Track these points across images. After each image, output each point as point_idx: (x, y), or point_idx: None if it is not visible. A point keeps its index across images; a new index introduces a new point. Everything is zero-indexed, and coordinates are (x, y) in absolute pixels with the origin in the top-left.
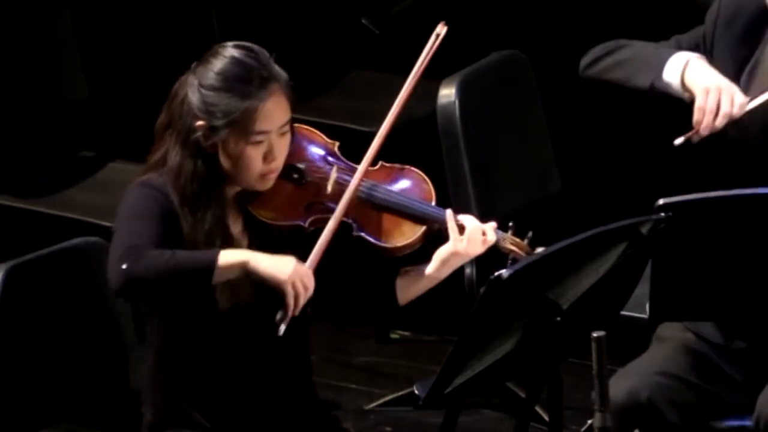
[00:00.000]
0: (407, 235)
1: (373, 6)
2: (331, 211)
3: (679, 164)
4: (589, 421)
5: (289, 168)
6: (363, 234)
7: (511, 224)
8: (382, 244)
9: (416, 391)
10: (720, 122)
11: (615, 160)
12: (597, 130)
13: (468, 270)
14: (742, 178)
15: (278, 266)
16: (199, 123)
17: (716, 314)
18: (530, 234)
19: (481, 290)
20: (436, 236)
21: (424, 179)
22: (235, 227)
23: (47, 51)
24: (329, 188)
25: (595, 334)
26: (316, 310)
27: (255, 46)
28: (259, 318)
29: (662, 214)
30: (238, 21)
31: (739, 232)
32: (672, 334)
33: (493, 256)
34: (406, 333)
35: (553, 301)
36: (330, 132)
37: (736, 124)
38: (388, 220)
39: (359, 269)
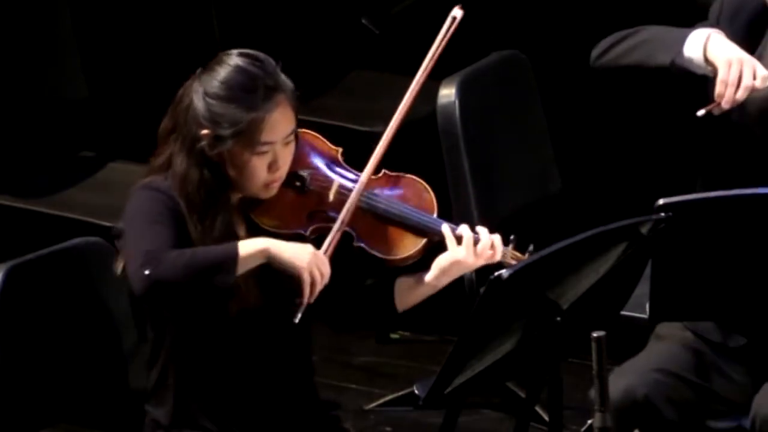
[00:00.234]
0: (408, 247)
1: (373, 6)
2: (333, 220)
3: (679, 164)
4: (589, 421)
5: (291, 176)
6: (363, 245)
7: (512, 237)
8: (383, 256)
9: (416, 391)
10: (741, 95)
11: (615, 160)
12: (597, 130)
13: None
14: (741, 177)
15: (298, 253)
16: (204, 132)
17: (716, 314)
18: (531, 248)
19: (481, 290)
20: (437, 248)
21: (426, 189)
22: (240, 233)
23: (47, 51)
24: (331, 197)
25: (595, 334)
26: (316, 315)
27: (261, 54)
28: (266, 321)
29: (662, 214)
30: (238, 21)
31: (739, 232)
32: (670, 332)
33: None
34: (406, 333)
35: (553, 301)
36: (330, 132)
37: (740, 110)
38: (389, 231)
39: (358, 277)
